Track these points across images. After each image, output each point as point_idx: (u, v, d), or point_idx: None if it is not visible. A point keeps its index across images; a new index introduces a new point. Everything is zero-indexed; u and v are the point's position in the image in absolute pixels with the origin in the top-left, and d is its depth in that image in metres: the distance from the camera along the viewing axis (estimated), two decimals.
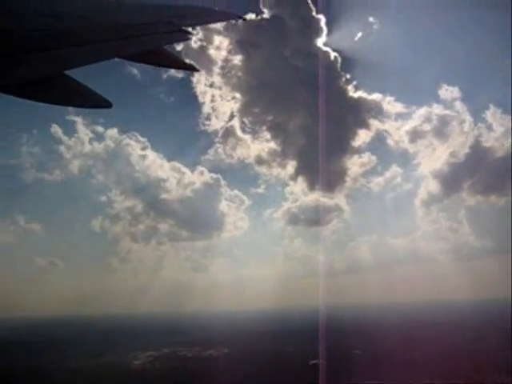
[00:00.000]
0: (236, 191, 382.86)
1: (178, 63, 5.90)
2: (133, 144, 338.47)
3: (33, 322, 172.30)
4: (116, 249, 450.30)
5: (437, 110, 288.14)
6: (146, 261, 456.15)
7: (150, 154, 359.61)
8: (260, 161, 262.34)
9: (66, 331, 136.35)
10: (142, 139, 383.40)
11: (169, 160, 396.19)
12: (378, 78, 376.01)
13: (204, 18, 7.32)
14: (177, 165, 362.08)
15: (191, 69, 6.21)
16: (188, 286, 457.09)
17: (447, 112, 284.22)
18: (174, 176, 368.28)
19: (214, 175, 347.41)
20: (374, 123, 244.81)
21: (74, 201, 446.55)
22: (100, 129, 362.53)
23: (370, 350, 77.98)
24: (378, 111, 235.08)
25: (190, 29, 6.26)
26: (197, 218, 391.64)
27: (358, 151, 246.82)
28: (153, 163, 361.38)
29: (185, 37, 6.05)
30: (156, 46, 5.50)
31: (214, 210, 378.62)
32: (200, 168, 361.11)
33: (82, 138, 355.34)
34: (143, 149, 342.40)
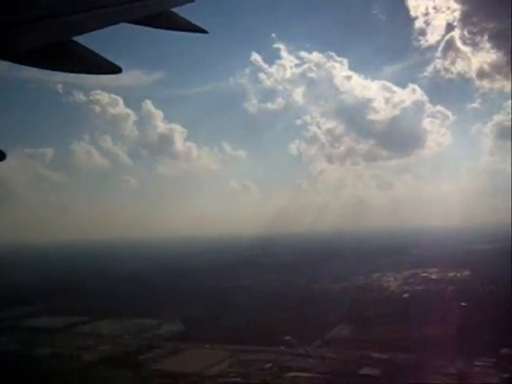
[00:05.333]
0: (439, 107, 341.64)
1: (186, 26, 5.87)
2: (337, 66, 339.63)
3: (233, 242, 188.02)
4: (309, 170, 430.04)
5: None
6: (335, 181, 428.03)
7: (355, 75, 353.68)
8: (482, 74, 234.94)
9: (278, 250, 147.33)
10: (346, 60, 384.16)
11: (376, 79, 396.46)
12: None
13: None
14: (387, 84, 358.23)
15: (199, 31, 6.04)
16: (370, 203, 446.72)
17: None
18: (382, 95, 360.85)
19: (425, 92, 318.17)
20: None
21: (278, 126, 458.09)
22: (304, 54, 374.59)
23: None
24: None
25: None
26: (400, 137, 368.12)
27: None
28: (358, 84, 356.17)
29: None
30: (163, 9, 5.61)
31: (419, 128, 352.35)
32: (411, 85, 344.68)
33: (285, 64, 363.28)
34: (348, 69, 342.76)
